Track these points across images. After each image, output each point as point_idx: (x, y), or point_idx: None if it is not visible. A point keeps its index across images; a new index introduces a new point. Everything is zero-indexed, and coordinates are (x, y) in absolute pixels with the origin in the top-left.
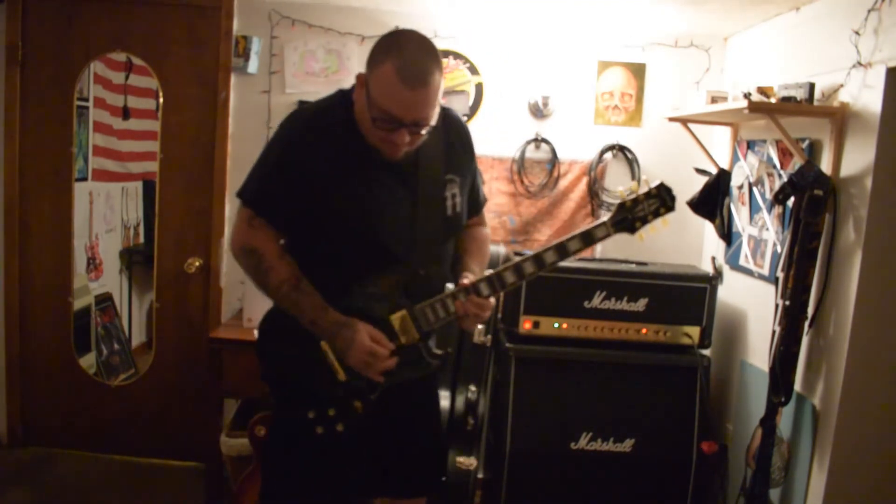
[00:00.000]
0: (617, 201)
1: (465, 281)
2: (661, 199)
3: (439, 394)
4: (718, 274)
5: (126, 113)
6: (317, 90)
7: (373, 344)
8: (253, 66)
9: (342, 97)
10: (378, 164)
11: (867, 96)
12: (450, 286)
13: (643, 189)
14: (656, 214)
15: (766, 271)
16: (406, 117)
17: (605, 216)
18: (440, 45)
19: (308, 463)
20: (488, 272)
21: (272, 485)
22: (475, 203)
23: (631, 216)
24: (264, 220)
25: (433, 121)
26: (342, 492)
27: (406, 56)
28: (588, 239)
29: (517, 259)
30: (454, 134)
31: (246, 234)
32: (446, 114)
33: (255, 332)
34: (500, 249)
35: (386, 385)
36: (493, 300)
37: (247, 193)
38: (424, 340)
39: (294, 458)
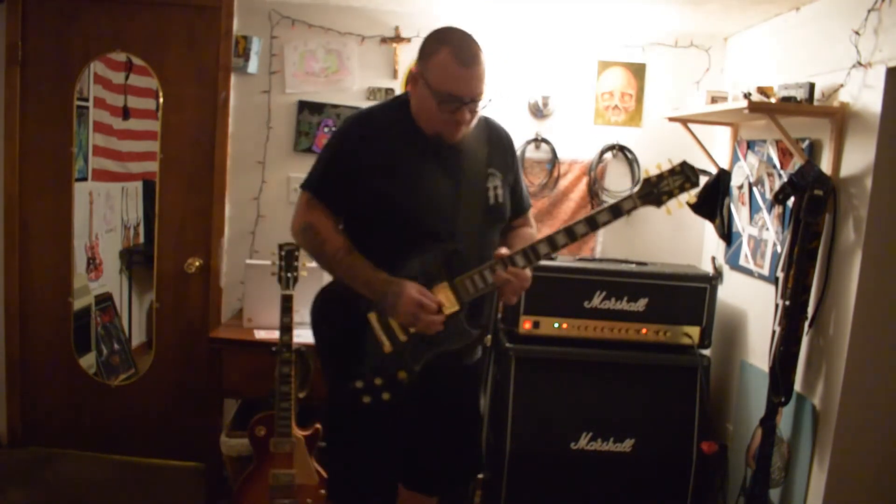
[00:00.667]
0: (650, 176)
1: (503, 252)
2: (686, 175)
3: (479, 396)
4: (718, 274)
5: (126, 113)
6: (317, 90)
7: (420, 296)
8: (253, 66)
9: (397, 99)
10: (427, 155)
11: (867, 96)
12: None
13: (666, 167)
14: (682, 189)
15: (766, 271)
16: (466, 94)
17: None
18: None
19: (361, 429)
20: (524, 246)
21: (335, 449)
22: (519, 204)
23: (657, 190)
24: (322, 204)
25: (486, 97)
26: (391, 459)
27: (456, 41)
28: (616, 211)
29: (550, 232)
30: (495, 136)
31: (304, 214)
32: (488, 119)
33: (258, 333)
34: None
35: (430, 356)
36: (529, 272)
37: (308, 181)
38: (464, 311)
39: (349, 424)
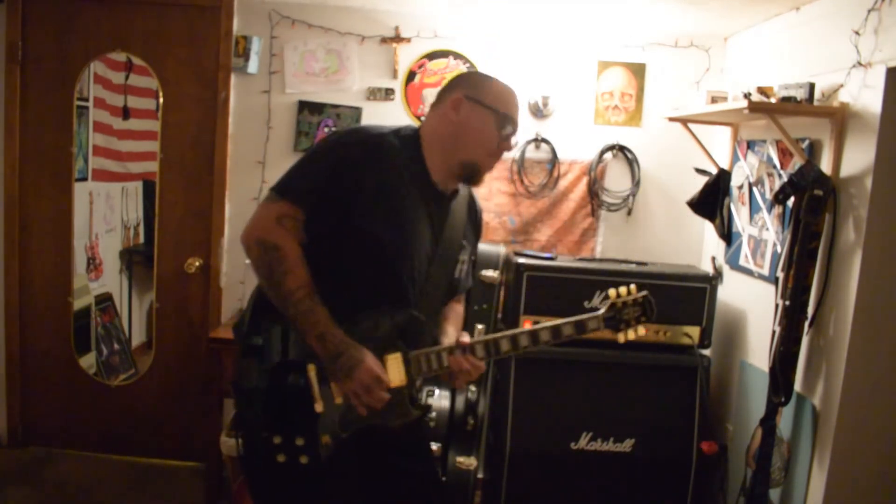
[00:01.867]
0: (616, 201)
1: (465, 339)
2: (643, 309)
3: (431, 451)
4: (718, 274)
5: (126, 113)
6: (317, 90)
7: (379, 371)
8: (253, 66)
9: (399, 131)
10: (424, 202)
11: (867, 96)
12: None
13: (631, 295)
14: (637, 321)
15: (766, 271)
16: (518, 123)
17: (600, 309)
18: (440, 45)
19: (283, 490)
20: (485, 336)
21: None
22: (465, 282)
23: (618, 317)
24: (296, 222)
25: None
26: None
27: (497, 79)
28: (581, 328)
29: (512, 331)
30: (473, 209)
31: (271, 229)
32: (471, 190)
33: (233, 332)
34: (501, 249)
35: (359, 426)
36: (483, 364)
37: (288, 188)
38: (410, 388)
39: (267, 482)
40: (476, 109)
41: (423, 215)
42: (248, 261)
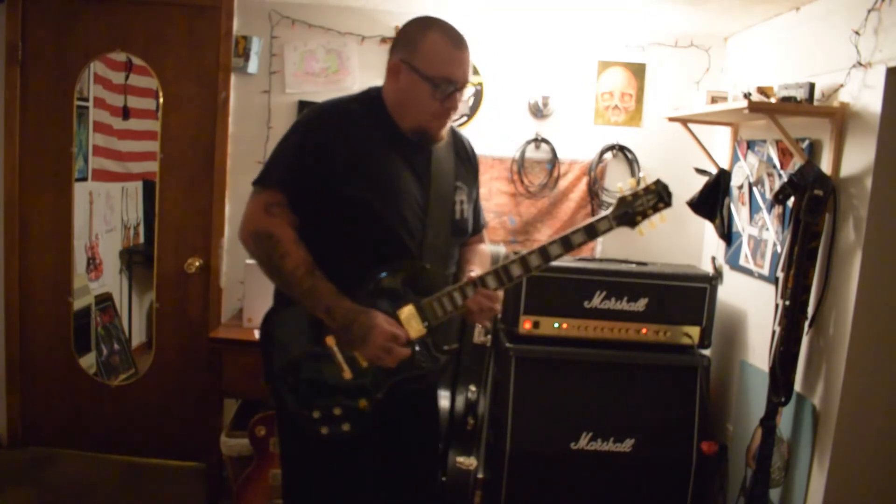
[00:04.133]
0: (624, 195)
1: (473, 274)
2: (659, 195)
3: (438, 405)
4: (718, 274)
5: (126, 113)
6: (317, 90)
7: (393, 328)
8: (253, 66)
9: (363, 96)
10: (402, 159)
11: (867, 96)
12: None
13: (642, 185)
14: (655, 209)
15: (766, 271)
16: (460, 78)
17: (606, 210)
18: None
19: (323, 464)
20: (495, 265)
21: (294, 485)
22: (477, 221)
23: (631, 210)
24: (283, 207)
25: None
26: (359, 490)
27: (442, 25)
28: (591, 232)
29: (522, 252)
30: (462, 148)
31: (262, 220)
32: (454, 129)
33: (257, 333)
34: (501, 249)
35: (392, 382)
36: (500, 294)
37: (267, 177)
38: (431, 336)
39: (309, 460)
40: (411, 76)
41: (403, 168)
42: (248, 261)
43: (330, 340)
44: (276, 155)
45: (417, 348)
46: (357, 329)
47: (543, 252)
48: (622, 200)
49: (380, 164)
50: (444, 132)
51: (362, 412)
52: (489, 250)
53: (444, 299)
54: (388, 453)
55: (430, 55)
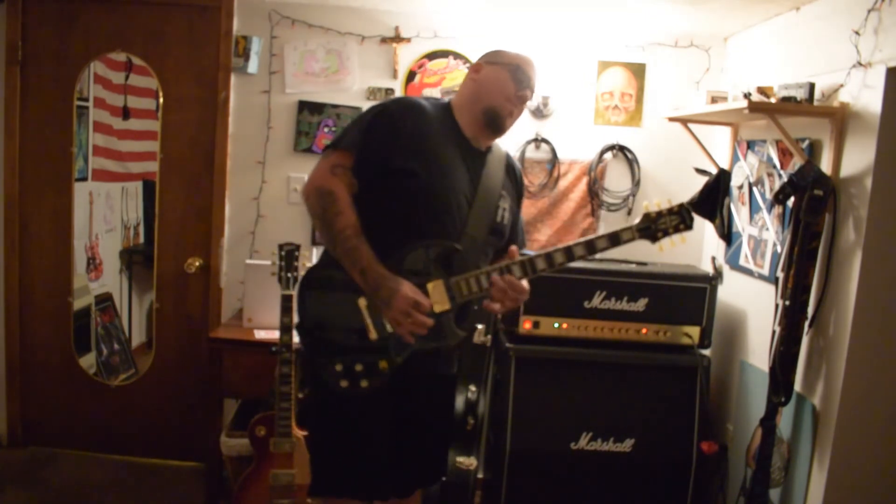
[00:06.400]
0: (616, 201)
1: (501, 261)
2: (682, 218)
3: (455, 399)
4: (718, 274)
5: (126, 113)
6: (317, 90)
7: (415, 295)
8: (253, 66)
9: (438, 100)
10: (459, 153)
11: (867, 96)
12: None
13: (666, 206)
14: (676, 230)
15: (766, 271)
16: (532, 82)
17: (634, 220)
18: (440, 45)
19: (339, 415)
20: (522, 257)
21: (314, 438)
22: (516, 235)
23: (654, 227)
24: (346, 169)
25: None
26: (373, 449)
27: (515, 59)
28: (615, 240)
29: (549, 249)
30: (511, 169)
31: (326, 177)
32: (508, 154)
33: (257, 333)
34: None
35: (412, 349)
36: (526, 284)
37: (339, 141)
38: (454, 312)
39: (327, 410)
40: (493, 68)
41: (458, 161)
42: (249, 261)
43: (362, 302)
44: (350, 126)
45: (441, 320)
46: (384, 292)
47: (568, 251)
48: (647, 216)
49: (438, 151)
50: (511, 125)
51: (381, 372)
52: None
53: (472, 279)
54: (400, 426)
55: (509, 58)
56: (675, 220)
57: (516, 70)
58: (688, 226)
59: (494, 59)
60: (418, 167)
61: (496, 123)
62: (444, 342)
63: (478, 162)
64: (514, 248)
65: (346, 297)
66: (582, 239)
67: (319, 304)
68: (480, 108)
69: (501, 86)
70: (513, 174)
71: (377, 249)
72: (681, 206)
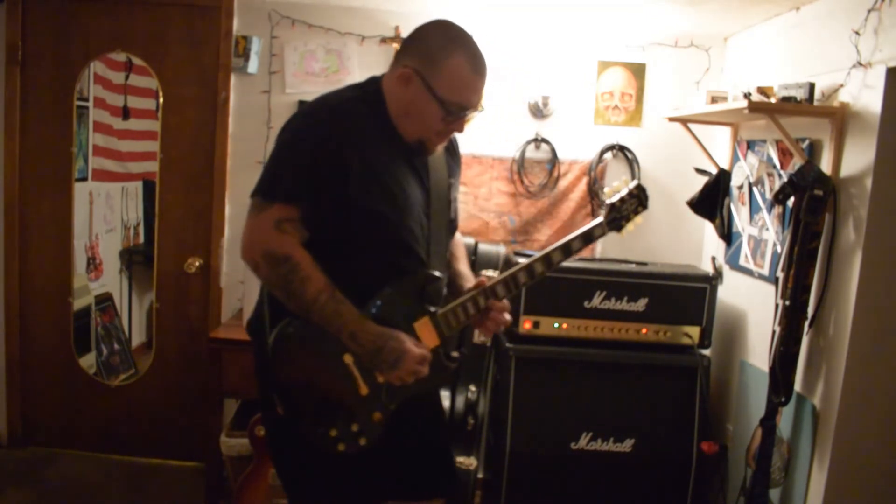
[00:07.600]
0: (613, 200)
1: (483, 278)
2: (640, 200)
3: (441, 403)
4: (718, 274)
5: (126, 113)
6: (317, 90)
7: (422, 351)
8: (253, 66)
9: (363, 92)
10: (405, 162)
11: (867, 96)
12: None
13: (624, 190)
14: (636, 212)
15: (766, 271)
16: (475, 104)
17: (600, 216)
18: None
19: (337, 477)
20: (503, 274)
21: (305, 490)
22: (457, 213)
23: (619, 215)
24: (295, 223)
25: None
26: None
27: (470, 45)
28: (588, 238)
29: (527, 260)
30: (449, 140)
31: (274, 239)
32: None
33: (250, 333)
34: (501, 249)
35: (406, 395)
36: (507, 303)
37: (274, 189)
38: (443, 346)
39: (321, 475)
40: (423, 93)
41: (409, 175)
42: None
43: (347, 358)
44: (280, 163)
45: (433, 360)
46: (388, 355)
47: (546, 259)
48: (612, 206)
49: (391, 172)
50: (442, 147)
51: (377, 424)
52: (461, 240)
53: (458, 310)
54: (397, 455)
55: (449, 79)
56: (633, 203)
57: (451, 106)
58: (644, 206)
59: (428, 78)
60: (379, 203)
61: (425, 151)
62: (436, 381)
63: (422, 160)
64: (482, 278)
65: (328, 354)
66: (556, 244)
67: (300, 368)
68: (409, 136)
69: (430, 122)
70: (451, 145)
71: (349, 294)
72: (637, 187)
